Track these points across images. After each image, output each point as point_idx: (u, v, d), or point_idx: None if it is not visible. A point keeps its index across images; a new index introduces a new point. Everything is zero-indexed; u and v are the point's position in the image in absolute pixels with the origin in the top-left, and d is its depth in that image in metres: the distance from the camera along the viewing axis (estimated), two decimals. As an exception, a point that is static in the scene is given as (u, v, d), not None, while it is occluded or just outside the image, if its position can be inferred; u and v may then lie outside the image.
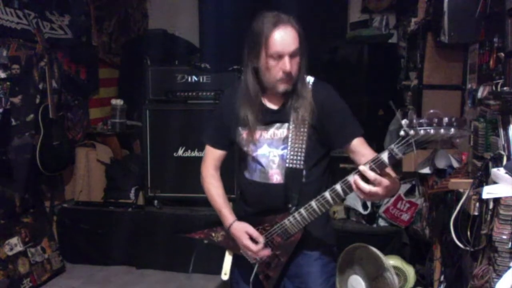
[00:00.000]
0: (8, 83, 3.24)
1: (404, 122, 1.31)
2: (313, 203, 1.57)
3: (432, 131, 1.27)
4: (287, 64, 1.58)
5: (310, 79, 1.73)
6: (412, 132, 1.29)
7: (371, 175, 1.38)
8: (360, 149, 1.69)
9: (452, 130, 1.26)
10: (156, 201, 3.67)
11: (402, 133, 1.32)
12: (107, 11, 4.49)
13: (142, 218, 3.65)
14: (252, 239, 1.70)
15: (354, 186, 1.43)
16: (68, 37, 3.94)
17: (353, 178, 1.43)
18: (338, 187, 1.50)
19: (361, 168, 1.40)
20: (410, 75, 3.37)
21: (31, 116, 3.43)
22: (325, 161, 1.78)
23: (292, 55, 1.59)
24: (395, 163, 1.40)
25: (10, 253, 3.16)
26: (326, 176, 1.78)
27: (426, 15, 2.87)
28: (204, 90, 3.59)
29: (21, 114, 3.37)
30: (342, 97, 1.74)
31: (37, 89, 3.50)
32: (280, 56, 1.58)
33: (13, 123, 3.31)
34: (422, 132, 1.28)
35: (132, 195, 3.75)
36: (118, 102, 4.13)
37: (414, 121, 1.28)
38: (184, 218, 3.55)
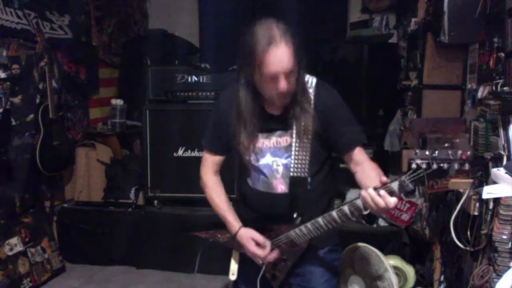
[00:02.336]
0: (8, 83, 3.24)
1: (417, 154, 1.31)
2: (320, 219, 1.56)
3: (445, 166, 1.28)
4: (282, 84, 1.50)
5: (312, 80, 1.66)
6: (424, 165, 1.30)
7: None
8: (358, 157, 1.66)
9: (467, 166, 1.27)
10: (156, 201, 3.67)
11: (414, 166, 1.32)
12: (107, 11, 4.49)
13: (142, 218, 3.65)
14: (259, 244, 1.69)
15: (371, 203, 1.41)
16: (68, 37, 3.94)
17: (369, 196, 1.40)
18: (346, 208, 1.49)
19: (382, 193, 1.38)
20: (410, 75, 3.37)
21: (31, 116, 3.43)
22: (327, 164, 1.76)
23: (287, 74, 1.50)
24: (404, 192, 1.42)
25: (10, 253, 3.16)
26: (329, 178, 1.78)
27: (426, 15, 2.86)
28: (204, 90, 3.59)
29: (21, 114, 3.37)
30: (342, 97, 1.73)
31: (37, 89, 3.50)
32: (275, 76, 1.49)
33: (13, 123, 3.31)
34: (435, 166, 1.29)
35: (132, 195, 3.75)
36: (118, 102, 4.12)
37: (427, 153, 1.29)
38: (184, 218, 3.56)
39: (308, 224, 1.59)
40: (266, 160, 1.68)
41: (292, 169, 1.65)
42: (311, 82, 1.66)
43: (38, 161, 3.35)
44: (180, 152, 3.60)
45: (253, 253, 1.69)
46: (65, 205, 3.85)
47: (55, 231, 3.69)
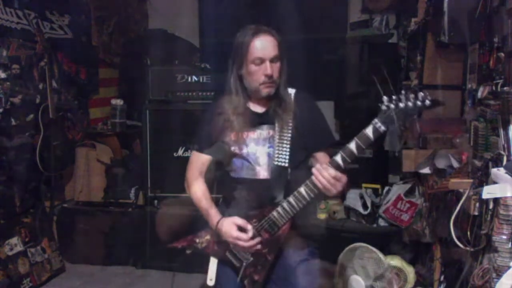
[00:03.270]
0: (8, 83, 3.24)
1: (384, 98, 1.49)
2: (302, 188, 1.64)
3: (410, 104, 1.46)
4: (268, 68, 1.72)
5: (292, 90, 1.86)
6: (392, 105, 1.48)
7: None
8: (321, 158, 1.83)
9: (427, 102, 1.46)
10: (156, 201, 3.67)
11: (383, 107, 1.49)
12: (107, 11, 4.49)
13: (142, 218, 3.65)
14: (241, 229, 1.73)
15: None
16: (68, 37, 3.94)
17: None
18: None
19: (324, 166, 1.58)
20: (410, 75, 3.37)
21: (31, 116, 3.43)
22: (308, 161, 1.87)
23: (272, 61, 1.74)
24: (379, 136, 1.54)
25: (10, 253, 3.16)
26: (310, 176, 1.81)
27: (426, 15, 2.86)
28: (204, 90, 3.60)
29: (21, 114, 3.37)
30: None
31: (37, 89, 3.51)
32: (261, 61, 1.73)
33: (13, 123, 3.31)
34: (401, 105, 1.47)
35: (132, 195, 3.75)
36: (118, 102, 4.12)
37: (394, 96, 1.48)
38: (184, 218, 3.55)
39: (290, 198, 1.66)
40: (250, 148, 1.83)
41: (274, 158, 1.79)
42: (291, 92, 1.86)
43: (38, 161, 3.35)
44: (180, 152, 3.60)
45: (236, 237, 1.72)
46: (65, 205, 3.85)
47: (55, 231, 3.69)
